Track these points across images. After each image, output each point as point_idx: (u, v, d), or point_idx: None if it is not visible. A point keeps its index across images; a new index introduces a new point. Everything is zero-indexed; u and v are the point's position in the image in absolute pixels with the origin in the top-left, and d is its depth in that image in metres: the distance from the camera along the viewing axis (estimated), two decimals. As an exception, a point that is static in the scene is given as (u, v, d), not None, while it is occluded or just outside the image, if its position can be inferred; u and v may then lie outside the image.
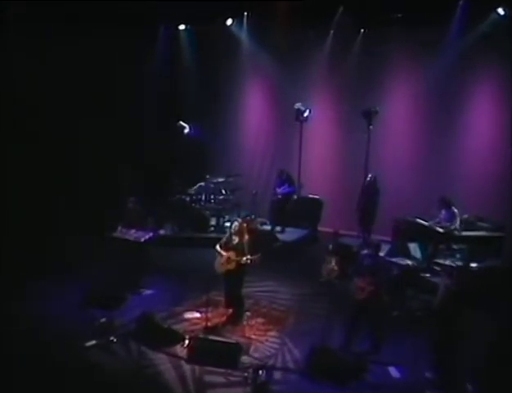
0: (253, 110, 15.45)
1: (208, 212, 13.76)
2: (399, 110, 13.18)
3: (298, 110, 13.61)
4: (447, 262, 10.48)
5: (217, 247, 9.02)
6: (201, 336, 8.12)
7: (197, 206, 13.83)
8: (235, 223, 9.09)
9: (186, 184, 13.98)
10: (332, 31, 13.70)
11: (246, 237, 8.92)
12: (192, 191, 13.91)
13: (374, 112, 12.55)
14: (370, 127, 12.54)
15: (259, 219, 13.81)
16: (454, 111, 12.65)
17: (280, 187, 13.49)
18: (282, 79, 14.14)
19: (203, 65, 14.89)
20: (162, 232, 13.24)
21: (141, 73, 14.11)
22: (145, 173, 14.10)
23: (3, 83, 11.24)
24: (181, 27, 15.14)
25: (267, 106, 15.20)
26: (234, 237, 8.94)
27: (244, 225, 9.17)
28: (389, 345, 8.15)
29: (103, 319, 8.48)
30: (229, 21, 14.53)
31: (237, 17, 14.32)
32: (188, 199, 13.81)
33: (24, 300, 9.38)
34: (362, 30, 13.38)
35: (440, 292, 7.50)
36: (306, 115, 13.62)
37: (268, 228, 13.54)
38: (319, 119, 13.86)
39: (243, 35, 14.60)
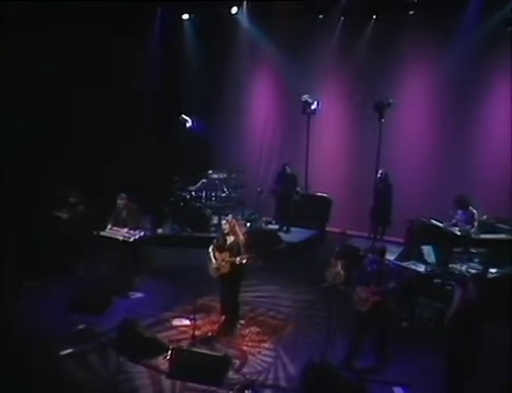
0: (259, 102, 14.91)
1: (209, 210, 13.17)
2: (413, 102, 12.57)
3: (306, 102, 13.09)
4: (464, 267, 9.68)
5: (210, 250, 8.34)
6: (185, 347, 7.38)
7: (197, 204, 13.24)
8: (223, 222, 8.53)
9: (187, 181, 13.42)
10: (342, 18, 13.18)
11: (241, 236, 8.22)
12: (194, 188, 13.35)
13: (387, 104, 11.75)
14: (382, 120, 11.74)
15: (264, 218, 13.28)
16: (472, 105, 12.05)
17: (280, 184, 12.78)
18: (289, 70, 13.56)
19: (206, 55, 14.41)
20: (160, 231, 12.78)
21: (142, 65, 13.56)
22: (143, 170, 13.44)
23: (3, 83, 10.79)
24: (185, 17, 14.59)
25: (272, 99, 14.62)
26: (227, 237, 8.27)
27: (237, 223, 8.48)
28: (396, 362, 7.41)
29: (81, 326, 7.93)
30: (234, 9, 13.96)
31: (242, 5, 13.77)
32: (188, 196, 13.21)
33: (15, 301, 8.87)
34: (374, 17, 12.85)
35: (454, 302, 6.75)
36: (314, 107, 13.12)
37: (274, 227, 12.94)
38: (327, 111, 13.29)
39: (248, 24, 14.03)
